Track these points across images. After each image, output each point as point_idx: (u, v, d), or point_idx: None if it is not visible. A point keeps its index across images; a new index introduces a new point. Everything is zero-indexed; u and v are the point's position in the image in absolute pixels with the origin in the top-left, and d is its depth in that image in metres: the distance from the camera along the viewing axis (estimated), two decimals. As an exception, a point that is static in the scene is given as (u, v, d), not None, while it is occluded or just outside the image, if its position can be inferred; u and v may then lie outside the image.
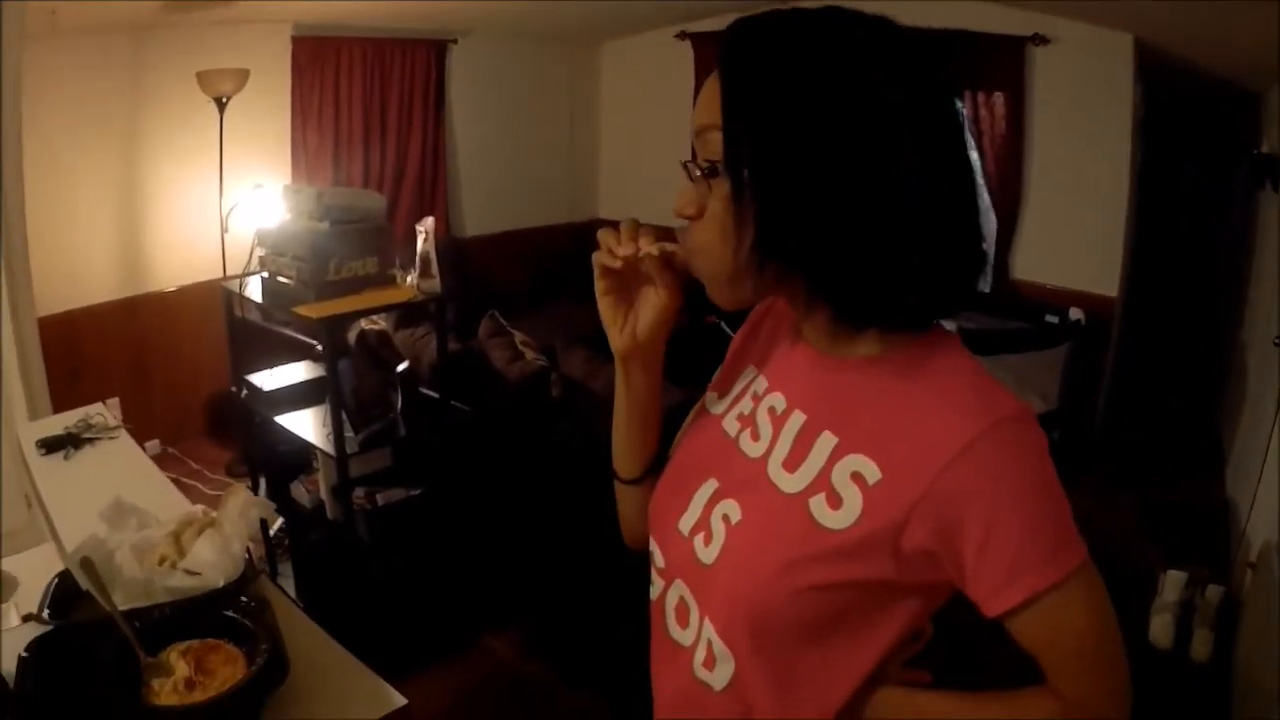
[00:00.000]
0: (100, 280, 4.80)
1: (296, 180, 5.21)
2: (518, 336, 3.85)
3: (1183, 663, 3.35)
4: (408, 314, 3.84)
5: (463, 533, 3.63)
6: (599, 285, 1.08)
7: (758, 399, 1.07)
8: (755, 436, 1.03)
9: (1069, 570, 0.85)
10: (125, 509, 1.67)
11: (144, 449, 4.65)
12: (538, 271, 6.74)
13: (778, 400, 1.04)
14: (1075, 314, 5.19)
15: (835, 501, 0.90)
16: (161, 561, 1.52)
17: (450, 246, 5.69)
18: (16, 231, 3.40)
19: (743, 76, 0.88)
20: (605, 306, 1.09)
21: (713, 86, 0.90)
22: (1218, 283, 7.53)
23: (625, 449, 1.23)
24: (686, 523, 1.05)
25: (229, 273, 4.28)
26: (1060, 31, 5.06)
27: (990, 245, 5.00)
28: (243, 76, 4.63)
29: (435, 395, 3.53)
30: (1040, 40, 5.08)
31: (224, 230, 4.69)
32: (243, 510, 1.57)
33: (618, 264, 1.03)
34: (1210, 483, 5.17)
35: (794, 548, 0.91)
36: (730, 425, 1.09)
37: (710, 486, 1.04)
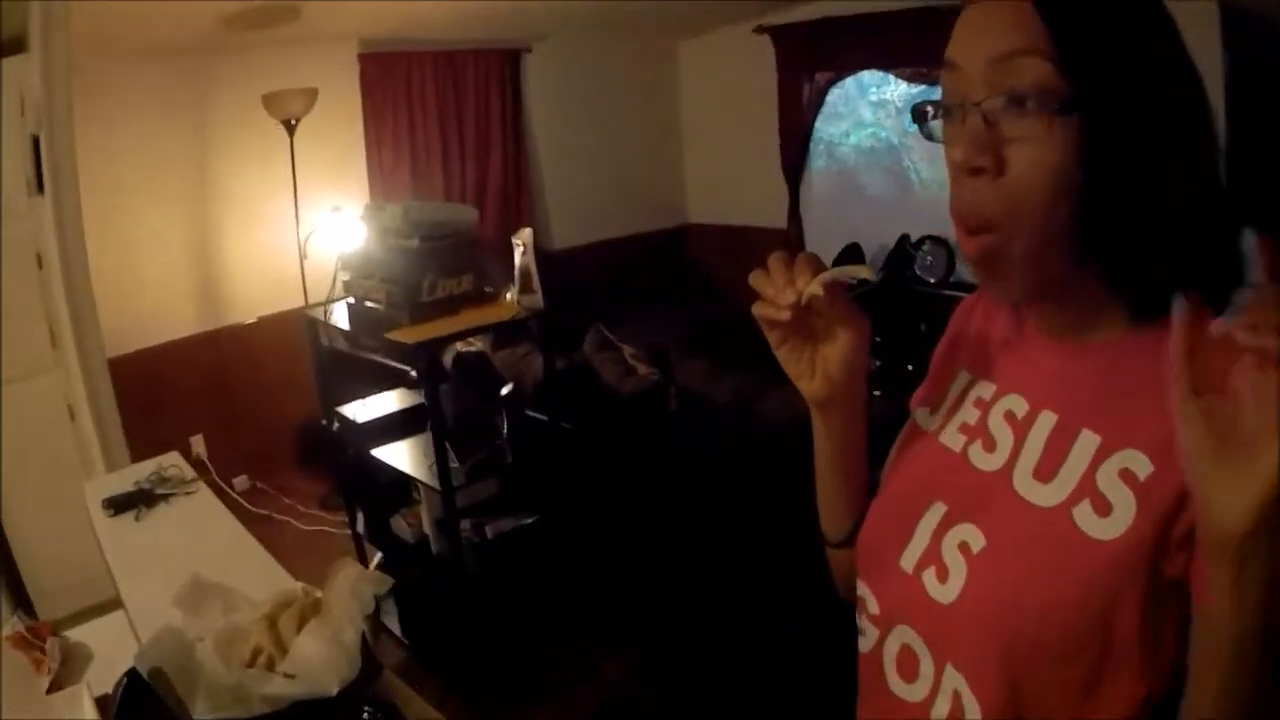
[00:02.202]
0: (178, 315, 4.75)
1: (375, 200, 5.02)
2: (627, 350, 3.68)
3: None
4: (505, 333, 3.71)
5: (579, 560, 3.52)
6: (770, 338, 0.96)
7: (985, 404, 0.94)
8: (990, 447, 0.90)
9: None
10: (206, 590, 1.41)
11: (232, 486, 4.72)
12: (631, 283, 6.59)
13: (1016, 403, 0.90)
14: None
15: (1104, 507, 0.77)
16: (255, 658, 1.24)
17: (541, 260, 5.54)
18: (80, 277, 3.31)
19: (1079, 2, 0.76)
20: (784, 359, 0.97)
21: (1012, 5, 0.76)
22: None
23: (833, 507, 1.09)
24: (910, 557, 0.91)
25: (311, 300, 4.21)
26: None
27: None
28: (311, 96, 4.53)
29: (542, 417, 3.39)
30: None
31: (303, 257, 4.62)
32: (354, 588, 1.27)
33: (785, 316, 0.90)
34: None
35: (1062, 570, 0.78)
36: (952, 439, 0.95)
37: (937, 512, 0.91)
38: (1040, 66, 0.74)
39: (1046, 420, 0.86)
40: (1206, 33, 4.65)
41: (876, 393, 3.85)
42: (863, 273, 0.91)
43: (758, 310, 0.92)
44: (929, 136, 0.85)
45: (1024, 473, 0.85)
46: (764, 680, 2.99)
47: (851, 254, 5.78)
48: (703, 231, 7.24)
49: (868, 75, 6.07)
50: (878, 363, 3.57)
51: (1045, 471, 0.83)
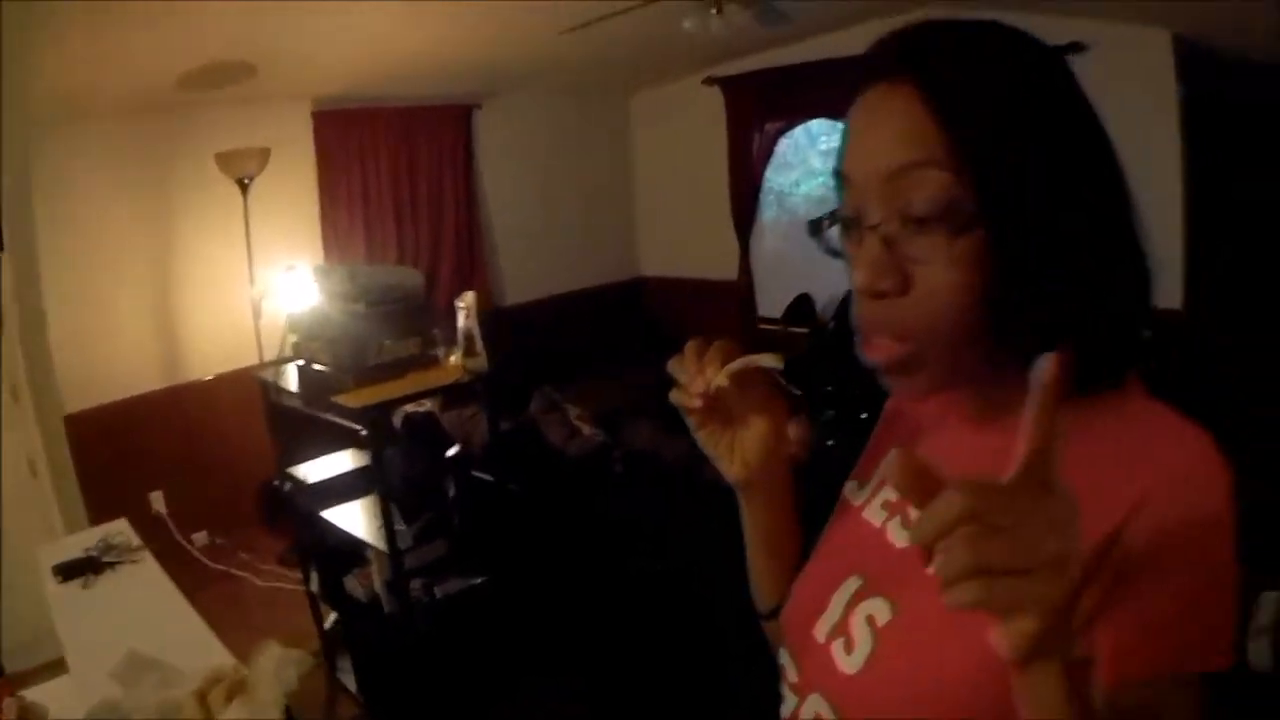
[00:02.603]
0: (140, 371, 4.77)
1: (329, 260, 5.16)
2: (572, 411, 3.72)
3: None
4: (454, 394, 3.70)
5: (527, 623, 3.51)
6: (689, 422, 0.96)
7: None
8: (909, 523, 0.89)
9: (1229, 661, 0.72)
10: (142, 664, 1.49)
11: (192, 541, 4.71)
12: (584, 336, 6.64)
13: None
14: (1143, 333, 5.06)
15: None
16: (187, 733, 1.30)
17: (493, 317, 5.59)
18: (38, 338, 3.33)
19: (977, 98, 0.73)
20: (703, 441, 0.97)
21: (903, 112, 0.74)
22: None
23: (761, 582, 1.10)
24: (824, 628, 0.91)
25: (265, 358, 4.24)
26: (1095, 37, 4.89)
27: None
28: (264, 155, 4.59)
29: (489, 478, 3.41)
30: (1077, 48, 4.88)
31: (257, 316, 4.65)
32: (277, 670, 1.35)
33: (696, 404, 0.92)
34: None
35: (965, 649, 0.75)
36: (875, 514, 0.95)
37: (853, 584, 0.91)
38: (939, 179, 0.73)
39: None
40: (1160, 64, 4.88)
41: (830, 442, 3.92)
42: (768, 361, 0.90)
43: (673, 397, 0.93)
44: (828, 250, 0.84)
45: None
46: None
47: (802, 304, 5.86)
48: (656, 285, 7.31)
49: (817, 124, 6.14)
50: (830, 413, 3.63)
51: None
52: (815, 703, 0.91)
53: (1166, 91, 4.91)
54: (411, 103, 5.52)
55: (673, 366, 0.93)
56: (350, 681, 3.46)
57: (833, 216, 0.83)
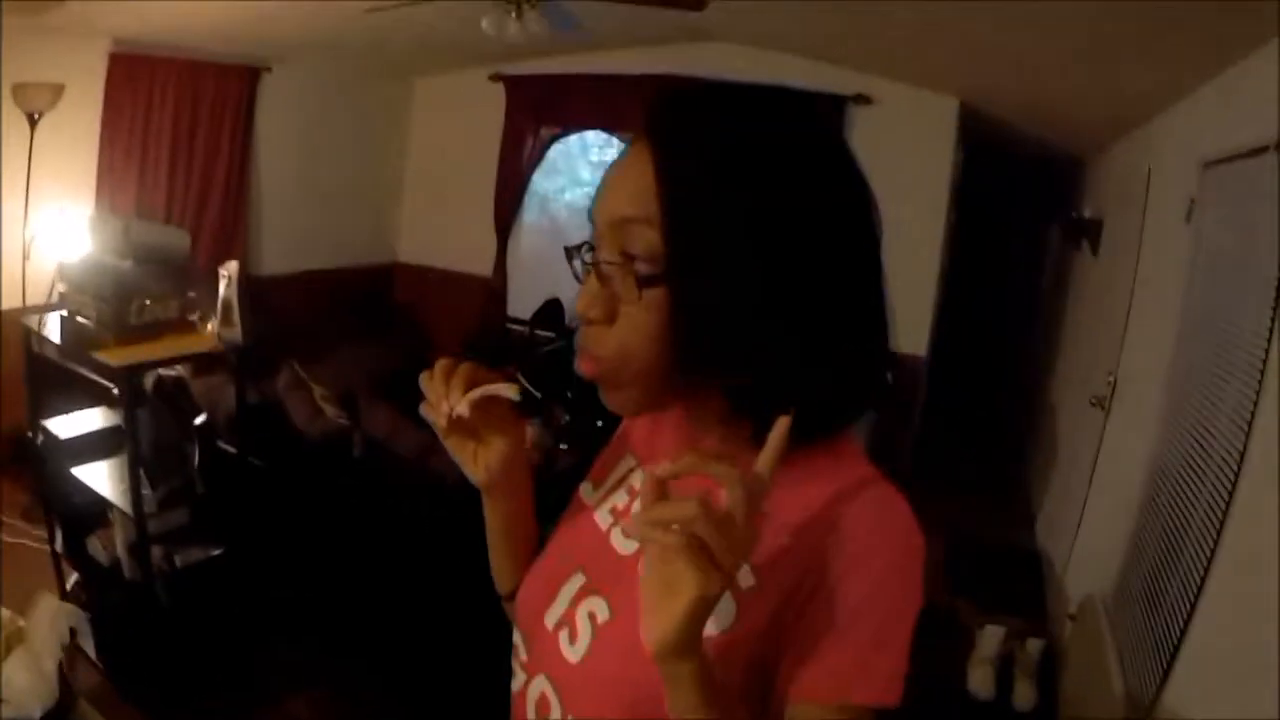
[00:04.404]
0: None
1: (100, 208, 4.95)
2: (318, 391, 3.71)
3: (1007, 712, 3.49)
4: (205, 360, 3.65)
5: (264, 593, 3.49)
6: (438, 430, 1.01)
7: (634, 492, 1.04)
8: (629, 532, 0.98)
9: (885, 701, 0.83)
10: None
11: None
12: (333, 313, 6.57)
13: None
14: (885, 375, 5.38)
15: None
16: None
17: (246, 285, 5.47)
18: None
19: (693, 168, 0.83)
20: (450, 448, 1.03)
21: (639, 171, 0.84)
22: (1028, 341, 7.90)
23: (501, 567, 1.18)
24: (552, 617, 1.01)
25: (30, 303, 4.03)
26: (884, 93, 5.21)
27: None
28: (57, 92, 4.40)
29: (233, 450, 3.39)
30: (862, 100, 5.19)
31: (25, 257, 4.45)
32: (53, 622, 1.41)
33: (441, 423, 0.98)
34: (1021, 535, 5.36)
35: None
36: (604, 517, 1.05)
37: (578, 581, 1.01)
38: (646, 235, 0.83)
39: None
40: (943, 127, 5.16)
41: (563, 446, 4.04)
42: (507, 392, 0.97)
43: (422, 411, 0.99)
44: (575, 275, 0.92)
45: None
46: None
47: (552, 309, 5.94)
48: (410, 272, 7.29)
49: (592, 135, 6.23)
50: (566, 418, 3.73)
51: None
52: (541, 683, 1.00)
53: (944, 152, 5.23)
54: (205, 57, 5.35)
55: (423, 382, 0.98)
56: (90, 648, 3.27)
57: (580, 247, 0.92)
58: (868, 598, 0.84)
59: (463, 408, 0.95)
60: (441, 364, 0.98)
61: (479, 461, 1.04)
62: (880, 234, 0.90)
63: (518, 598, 1.09)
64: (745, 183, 0.81)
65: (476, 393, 0.95)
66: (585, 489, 1.13)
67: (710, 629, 0.83)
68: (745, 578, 0.87)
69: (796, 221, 0.82)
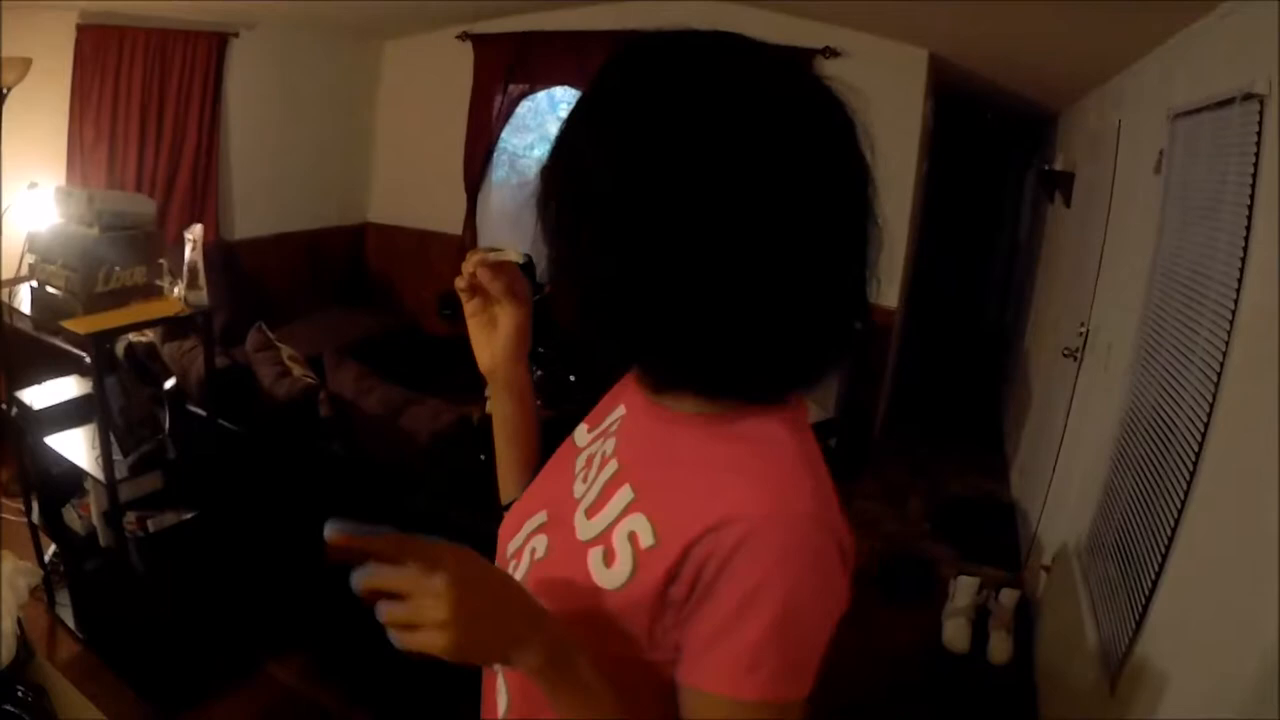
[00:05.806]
0: None
1: (72, 181, 4.95)
2: (285, 351, 3.69)
3: (981, 665, 3.49)
4: (176, 325, 3.66)
5: (239, 557, 3.51)
6: (466, 310, 1.19)
7: (606, 438, 1.05)
8: (586, 478, 1.01)
9: (769, 698, 0.80)
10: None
11: None
12: (307, 275, 6.63)
13: (610, 445, 1.02)
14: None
15: (611, 559, 0.87)
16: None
17: (219, 250, 5.54)
18: None
19: (596, 131, 0.84)
20: (473, 328, 1.20)
21: None
22: (1001, 292, 7.92)
23: (504, 473, 1.28)
24: (511, 548, 1.05)
25: (5, 277, 4.02)
26: (854, 46, 5.19)
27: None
28: (25, 66, 4.34)
29: (204, 413, 3.39)
30: (831, 53, 5.17)
31: None
32: (11, 580, 1.43)
33: (463, 284, 1.15)
34: (995, 486, 5.40)
35: (568, 599, 0.88)
36: (581, 461, 1.07)
37: (540, 518, 1.03)
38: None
39: (611, 467, 0.97)
40: (913, 79, 5.17)
41: (538, 401, 4.04)
42: (510, 255, 1.13)
43: (456, 283, 1.16)
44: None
45: (584, 506, 0.95)
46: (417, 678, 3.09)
47: (523, 267, 5.97)
48: (380, 231, 7.31)
49: (561, 91, 6.22)
50: (539, 372, 3.71)
51: (594, 511, 0.93)
52: None
53: (914, 103, 5.22)
54: (172, 25, 5.32)
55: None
56: (69, 617, 3.40)
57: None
58: (742, 590, 0.80)
59: (468, 263, 1.12)
60: (472, 249, 1.14)
61: (486, 348, 1.20)
62: (861, 191, 0.85)
63: (500, 527, 1.13)
64: (653, 148, 0.78)
65: (491, 256, 1.12)
66: (579, 431, 1.15)
67: (607, 584, 0.87)
68: (646, 537, 0.86)
69: (713, 192, 0.77)
